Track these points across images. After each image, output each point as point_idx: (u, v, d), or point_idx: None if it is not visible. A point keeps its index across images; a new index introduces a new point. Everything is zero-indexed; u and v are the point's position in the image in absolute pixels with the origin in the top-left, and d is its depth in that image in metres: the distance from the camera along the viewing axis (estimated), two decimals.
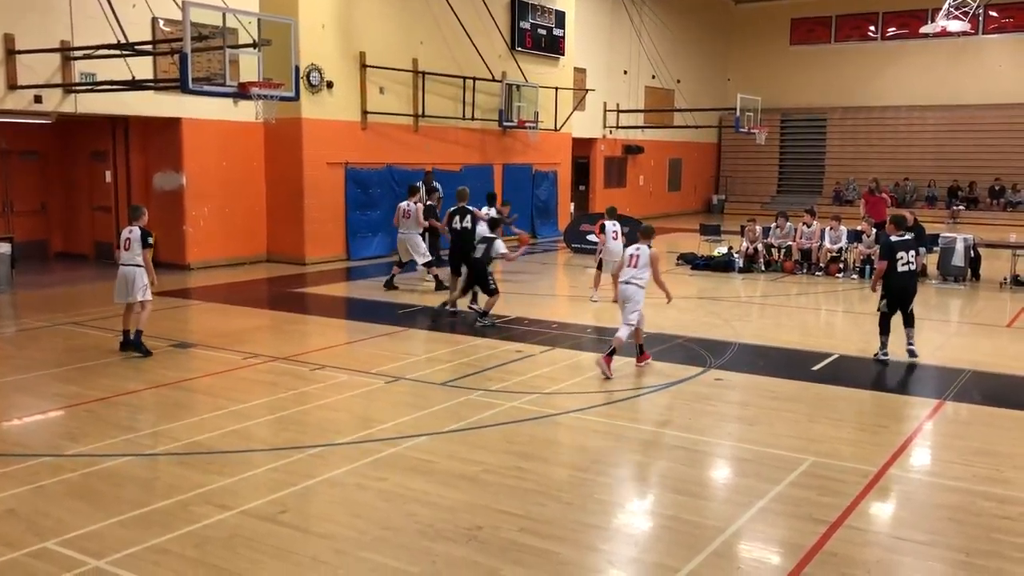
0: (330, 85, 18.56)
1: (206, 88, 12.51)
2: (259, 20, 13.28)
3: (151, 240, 10.26)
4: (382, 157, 19.94)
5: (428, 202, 16.31)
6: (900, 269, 10.10)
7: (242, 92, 12.35)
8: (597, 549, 5.44)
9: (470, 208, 13.68)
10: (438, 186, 18.65)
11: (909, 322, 10.32)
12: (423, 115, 20.77)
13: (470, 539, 5.46)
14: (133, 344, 10.23)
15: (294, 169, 18.25)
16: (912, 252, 10.19)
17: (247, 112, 17.30)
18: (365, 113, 19.50)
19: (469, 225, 13.39)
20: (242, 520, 5.70)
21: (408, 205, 15.24)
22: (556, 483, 6.46)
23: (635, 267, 9.87)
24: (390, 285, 15.21)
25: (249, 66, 13.11)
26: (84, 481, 6.38)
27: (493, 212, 14.96)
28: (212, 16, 12.55)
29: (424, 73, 20.65)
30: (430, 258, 15.47)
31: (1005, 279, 16.43)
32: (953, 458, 7.16)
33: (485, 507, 5.94)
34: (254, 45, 12.97)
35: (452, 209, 13.75)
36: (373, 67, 19.44)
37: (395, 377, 9.40)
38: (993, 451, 7.24)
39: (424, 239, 15.69)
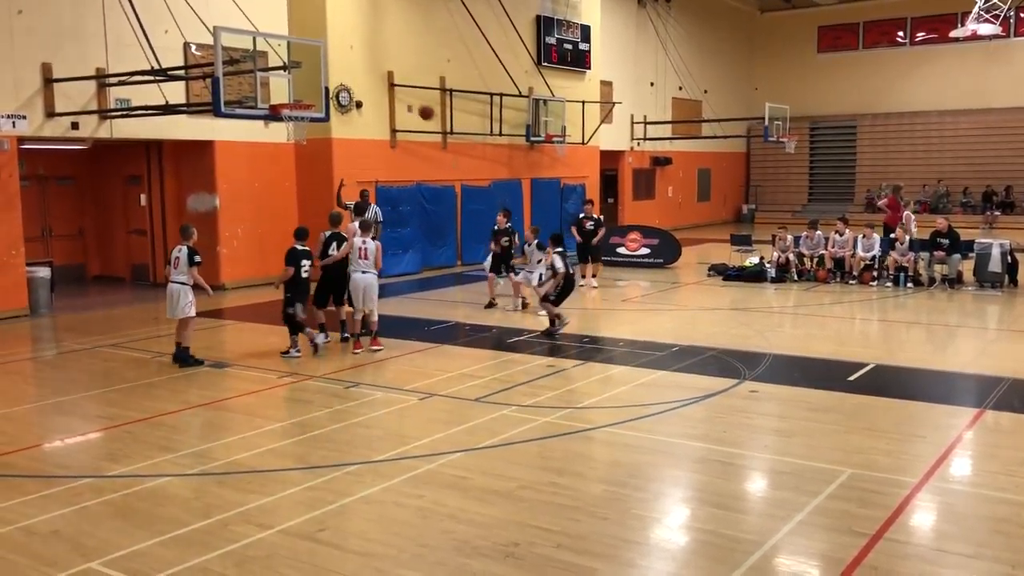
0: (359, 105, 18.76)
1: (238, 111, 12.71)
2: (289, 43, 13.49)
3: (197, 258, 10.88)
4: (411, 175, 20.09)
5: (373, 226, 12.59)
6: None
7: (273, 114, 12.55)
8: (635, 565, 5.43)
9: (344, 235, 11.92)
10: (378, 212, 15.95)
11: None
12: (451, 132, 20.92)
13: (507, 556, 5.47)
14: (179, 358, 10.88)
15: (325, 188, 18.42)
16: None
17: (278, 133, 17.60)
18: (394, 131, 19.68)
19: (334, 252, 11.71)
20: (281, 539, 5.75)
21: (365, 243, 11.63)
22: (592, 498, 6.45)
23: (366, 259, 11.33)
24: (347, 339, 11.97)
25: (280, 88, 13.33)
26: (126, 501, 6.48)
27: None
28: (243, 40, 12.78)
29: (451, 91, 20.81)
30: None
31: None
32: (996, 468, 7.05)
33: (521, 523, 5.95)
34: (284, 67, 13.17)
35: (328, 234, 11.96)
36: (401, 86, 19.63)
37: (428, 393, 9.45)
38: None
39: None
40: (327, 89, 13.50)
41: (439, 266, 20.96)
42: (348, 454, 7.54)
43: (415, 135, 20.10)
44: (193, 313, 10.92)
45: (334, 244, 11.83)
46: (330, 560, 5.46)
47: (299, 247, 11.22)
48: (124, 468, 7.20)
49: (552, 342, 12.19)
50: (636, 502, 6.39)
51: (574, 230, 17.68)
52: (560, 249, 13.11)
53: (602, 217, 18.70)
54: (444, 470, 7.04)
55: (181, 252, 10.82)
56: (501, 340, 12.43)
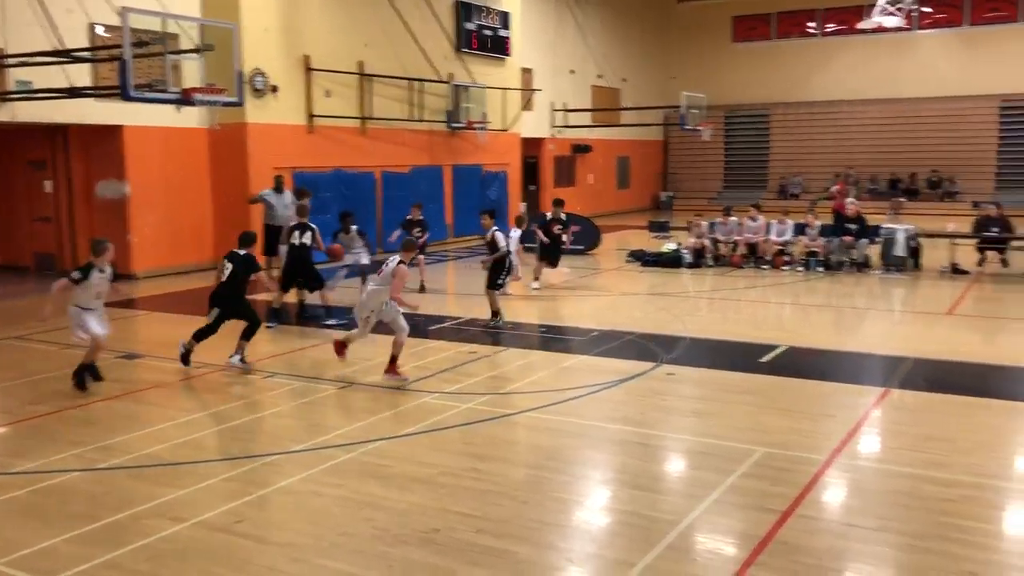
0: (275, 89, 18.37)
1: (148, 95, 12.33)
2: (200, 25, 13.11)
3: (75, 275, 9.02)
4: (330, 161, 19.79)
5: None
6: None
7: (185, 99, 12.21)
8: (555, 547, 5.48)
9: (311, 224, 12.59)
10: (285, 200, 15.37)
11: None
12: (370, 117, 20.66)
13: (427, 542, 5.46)
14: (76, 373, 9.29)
15: (240, 175, 18.02)
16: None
17: (191, 118, 17.12)
18: (311, 117, 19.35)
19: (309, 241, 12.43)
20: (197, 532, 5.63)
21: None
22: (513, 483, 6.48)
23: (380, 276, 9.51)
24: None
25: (192, 72, 12.94)
26: (32, 498, 6.25)
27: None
28: (152, 21, 12.39)
29: (370, 75, 20.55)
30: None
31: (944, 268, 16.88)
32: (899, 444, 7.34)
33: (442, 509, 5.95)
34: (196, 50, 12.80)
35: (292, 224, 12.86)
36: (318, 70, 19.29)
37: (349, 382, 9.35)
38: (937, 436, 7.44)
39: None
40: (240, 73, 13.22)
41: None
42: (266, 445, 7.42)
43: (333, 120, 19.80)
44: (80, 336, 9.05)
45: (296, 232, 12.43)
46: (247, 551, 5.37)
47: (237, 252, 10.27)
48: (30, 464, 6.93)
49: (479, 330, 12.18)
50: (557, 485, 6.45)
51: (540, 233, 15.77)
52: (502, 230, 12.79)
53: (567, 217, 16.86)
54: (364, 458, 6.99)
55: None
56: (423, 327, 12.36)
